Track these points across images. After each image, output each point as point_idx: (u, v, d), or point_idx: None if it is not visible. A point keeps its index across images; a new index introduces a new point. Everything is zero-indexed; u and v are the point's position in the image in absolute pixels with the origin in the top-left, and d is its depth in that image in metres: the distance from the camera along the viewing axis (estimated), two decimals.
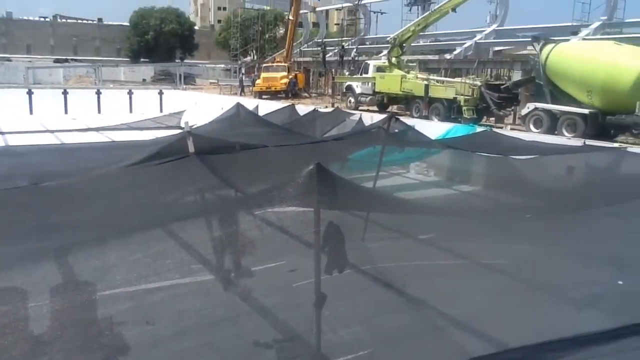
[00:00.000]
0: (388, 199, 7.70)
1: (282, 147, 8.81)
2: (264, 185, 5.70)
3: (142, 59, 75.64)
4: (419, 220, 8.92)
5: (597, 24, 30.14)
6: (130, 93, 39.76)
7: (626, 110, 17.85)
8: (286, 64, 39.27)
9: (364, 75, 29.49)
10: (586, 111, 18.73)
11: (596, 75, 18.35)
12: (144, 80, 60.07)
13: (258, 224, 5.56)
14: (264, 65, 41.93)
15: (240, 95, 39.70)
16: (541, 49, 20.85)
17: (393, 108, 28.39)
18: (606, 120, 18.51)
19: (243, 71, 49.42)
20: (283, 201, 4.65)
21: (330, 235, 4.68)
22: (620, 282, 7.56)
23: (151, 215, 5.97)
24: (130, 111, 37.08)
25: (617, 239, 9.50)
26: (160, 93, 40.61)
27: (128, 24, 79.77)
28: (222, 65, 66.78)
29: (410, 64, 29.95)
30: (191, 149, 6.56)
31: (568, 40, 25.96)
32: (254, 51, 56.03)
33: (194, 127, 14.20)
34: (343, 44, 43.07)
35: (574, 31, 30.70)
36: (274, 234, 6.01)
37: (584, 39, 27.37)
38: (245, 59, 55.89)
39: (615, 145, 15.65)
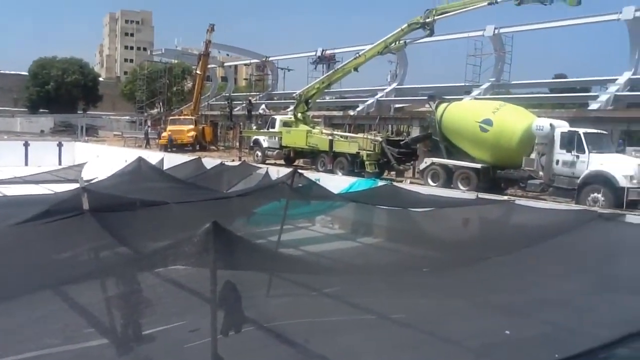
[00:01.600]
0: (288, 257, 7.79)
1: (184, 204, 8.72)
2: (162, 244, 5.61)
3: (41, 110, 72.43)
4: (325, 273, 9.03)
5: (486, 84, 32.65)
6: (26, 145, 37.81)
7: (514, 165, 19.25)
8: (193, 117, 39.10)
9: (270, 130, 29.90)
10: (479, 166, 19.98)
11: (486, 133, 19.70)
12: (42, 131, 57.21)
13: (154, 283, 5.44)
14: (171, 118, 41.48)
15: (145, 147, 38.83)
16: (436, 107, 22.15)
17: (299, 162, 28.85)
18: (497, 174, 19.84)
19: (149, 124, 48.50)
20: (179, 260, 4.61)
21: (226, 294, 4.66)
22: (507, 332, 7.98)
23: (38, 276, 5.66)
24: (26, 164, 35.20)
25: (506, 289, 10.10)
26: (60, 145, 38.92)
27: (27, 74, 76.60)
28: (127, 117, 65.22)
29: (316, 120, 30.78)
30: (85, 205, 6.34)
31: (461, 99, 27.87)
32: (161, 104, 55.35)
33: (93, 180, 13.72)
34: (251, 98, 43.64)
35: (467, 90, 33.05)
36: (171, 293, 5.90)
37: (475, 98, 29.48)
38: (151, 111, 55.04)
39: (505, 198, 16.74)
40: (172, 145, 36.00)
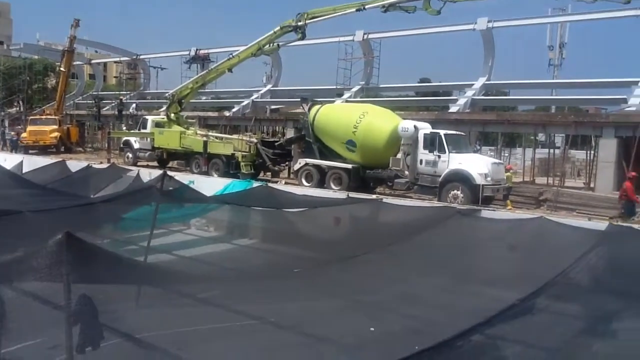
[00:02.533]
0: (156, 265, 7.57)
1: (40, 212, 8.18)
2: (10, 257, 5.22)
3: None
4: (198, 279, 8.88)
5: (357, 87, 33.85)
6: None
7: (382, 165, 20.19)
8: (57, 117, 36.61)
9: (142, 131, 28.78)
10: (349, 166, 20.71)
11: (355, 134, 20.47)
12: None
13: (9, 298, 5.04)
14: (32, 117, 38.48)
15: (2, 150, 35.77)
16: (309, 109, 22.64)
17: (173, 164, 28.10)
18: (366, 174, 20.70)
19: (6, 124, 44.72)
20: (29, 274, 4.33)
21: (81, 309, 4.45)
22: (372, 329, 8.34)
23: None
24: None
25: (374, 285, 10.56)
26: None
27: None
28: None
29: (190, 120, 30.11)
30: None
31: (333, 101, 28.67)
32: (21, 102, 51.20)
33: None
34: (122, 97, 41.68)
35: (338, 93, 34.06)
36: (28, 309, 5.51)
37: (346, 101, 30.49)
38: (9, 110, 50.78)
39: (374, 196, 17.51)
40: (32, 147, 33.51)
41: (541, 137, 38.12)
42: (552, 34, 41.72)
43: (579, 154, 35.31)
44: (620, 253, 10.42)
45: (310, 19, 23.06)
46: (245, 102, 37.44)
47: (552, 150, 27.99)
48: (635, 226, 12.03)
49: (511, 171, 22.74)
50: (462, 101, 29.04)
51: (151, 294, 8.22)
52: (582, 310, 9.41)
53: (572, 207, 19.07)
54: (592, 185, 22.16)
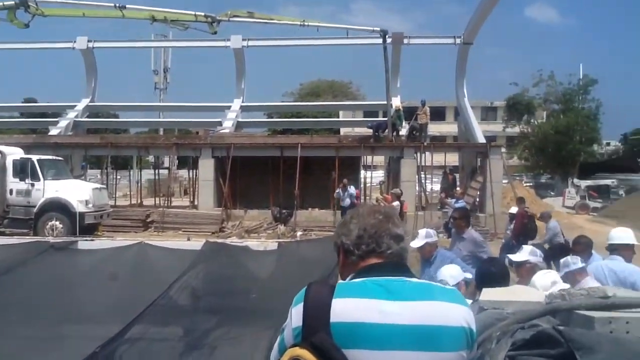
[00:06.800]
0: None
1: None
2: None
3: None
4: None
5: None
6: None
7: None
8: None
9: None
10: None
11: None
12: None
13: None
14: None
15: None
16: None
17: None
18: None
19: None
20: None
21: None
22: None
23: None
24: None
25: None
26: None
27: None
28: None
29: None
30: None
31: None
32: None
33: None
34: None
35: None
36: None
37: None
38: None
39: None
40: None
41: (152, 158, 38.69)
42: (157, 58, 42.91)
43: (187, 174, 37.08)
44: (215, 270, 10.84)
45: None
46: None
47: (157, 171, 28.42)
48: (228, 241, 12.80)
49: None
50: (63, 123, 27.16)
51: None
52: (182, 331, 9.41)
53: (178, 226, 19.59)
54: (196, 203, 23.28)
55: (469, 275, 4.24)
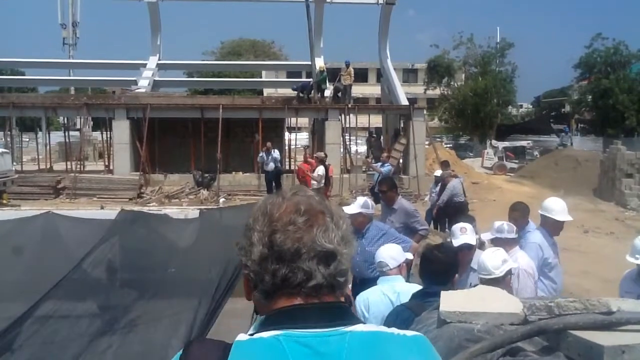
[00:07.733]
0: None
1: None
2: None
3: None
4: None
5: None
6: None
7: None
8: None
9: None
10: None
11: None
12: None
13: None
14: None
15: None
16: None
17: None
18: None
19: None
20: None
21: None
22: None
23: None
24: None
25: None
26: None
27: None
28: None
29: None
30: None
31: None
32: None
33: None
34: None
35: None
36: None
37: None
38: None
39: None
40: None
41: (63, 120, 36.35)
42: (64, 11, 39.53)
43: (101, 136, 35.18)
44: (131, 242, 10.21)
45: None
46: None
47: (67, 133, 26.51)
48: (146, 209, 12.13)
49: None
50: None
51: None
52: (97, 308, 8.81)
53: (92, 192, 18.49)
54: (111, 167, 22.02)
55: (410, 256, 4.00)
